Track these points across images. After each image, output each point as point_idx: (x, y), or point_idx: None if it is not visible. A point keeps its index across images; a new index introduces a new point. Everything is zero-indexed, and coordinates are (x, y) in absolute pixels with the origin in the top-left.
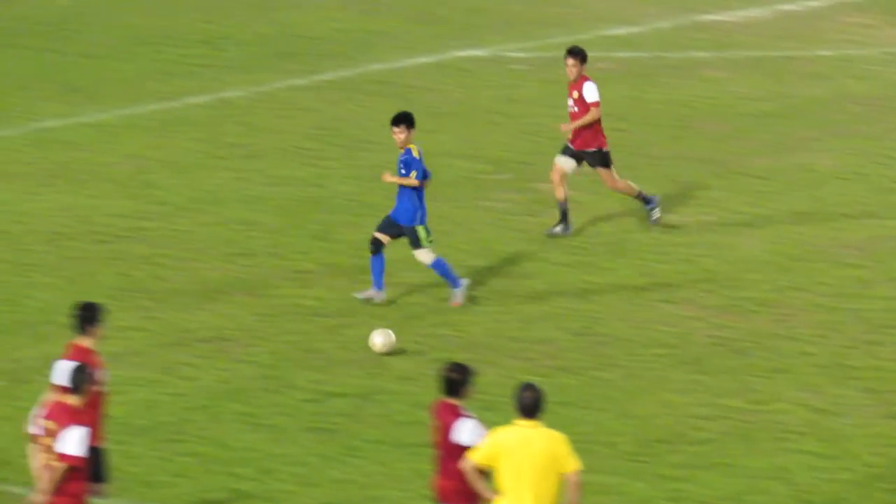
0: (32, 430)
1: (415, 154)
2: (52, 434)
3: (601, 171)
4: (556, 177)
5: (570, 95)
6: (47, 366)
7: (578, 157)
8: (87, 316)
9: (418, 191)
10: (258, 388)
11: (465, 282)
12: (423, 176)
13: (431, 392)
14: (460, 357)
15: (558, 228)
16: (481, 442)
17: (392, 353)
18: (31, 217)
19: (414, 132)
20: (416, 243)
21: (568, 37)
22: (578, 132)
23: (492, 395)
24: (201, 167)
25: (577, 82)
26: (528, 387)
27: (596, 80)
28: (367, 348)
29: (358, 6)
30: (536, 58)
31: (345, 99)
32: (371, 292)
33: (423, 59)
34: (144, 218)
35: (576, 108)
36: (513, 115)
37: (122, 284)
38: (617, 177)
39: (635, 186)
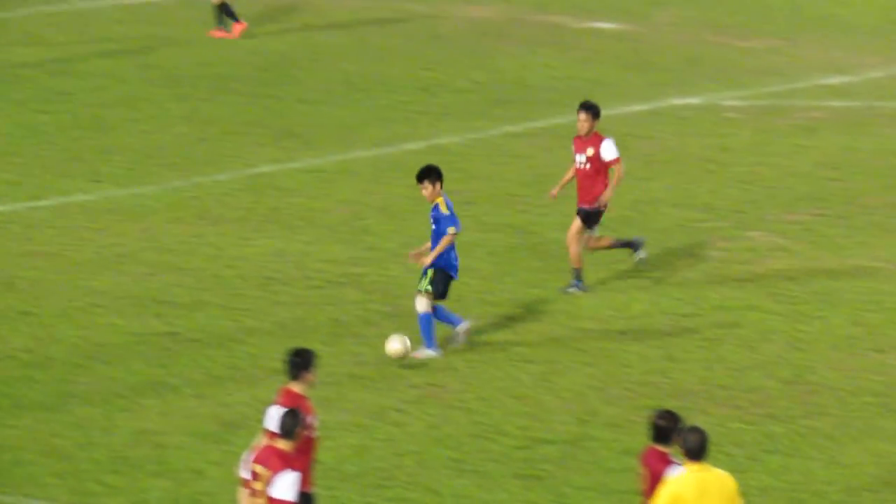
0: (243, 474)
1: (443, 209)
2: (261, 479)
3: (579, 226)
4: (592, 244)
5: (582, 151)
6: (258, 411)
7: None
8: (299, 361)
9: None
10: (468, 434)
11: (436, 352)
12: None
13: (641, 439)
14: (670, 404)
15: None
16: (659, 490)
17: (406, 359)
18: (244, 262)
19: (440, 185)
20: (421, 280)
21: (782, 85)
22: (588, 190)
23: None
24: (414, 213)
25: (590, 138)
26: (694, 429)
27: (614, 137)
28: (578, 395)
29: (575, 54)
30: (750, 106)
31: (559, 146)
32: (458, 330)
33: (638, 107)
34: (357, 264)
35: (587, 165)
36: (726, 164)
37: (334, 330)
38: (583, 241)
39: (580, 259)
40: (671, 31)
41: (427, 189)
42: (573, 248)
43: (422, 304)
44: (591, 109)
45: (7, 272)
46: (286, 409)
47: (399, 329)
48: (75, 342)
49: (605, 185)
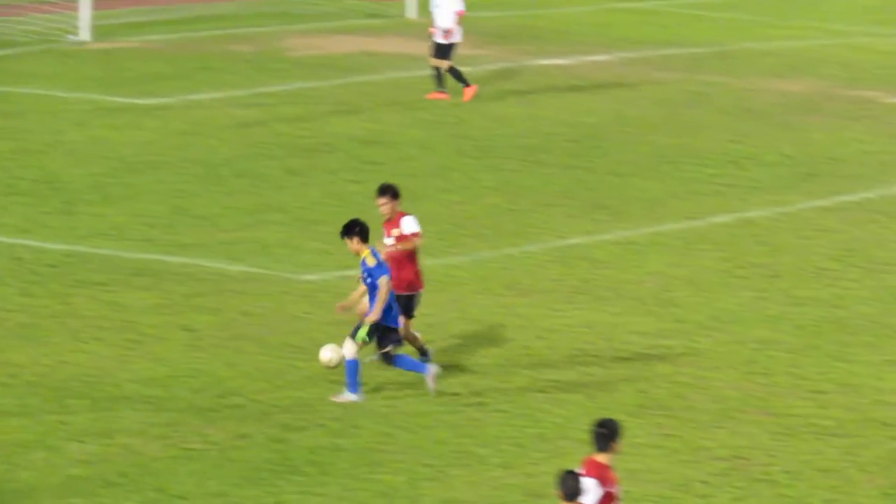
0: None
1: (370, 262)
2: None
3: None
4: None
5: (388, 235)
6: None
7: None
8: (606, 432)
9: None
10: None
11: (358, 397)
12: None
13: None
14: None
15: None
16: None
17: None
18: (553, 333)
19: (358, 239)
20: (353, 332)
21: None
22: (397, 274)
23: None
24: (722, 286)
25: (395, 220)
26: None
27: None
28: (884, 469)
29: (886, 129)
30: None
31: (867, 220)
32: (427, 376)
33: None
34: (665, 336)
35: (398, 246)
36: None
37: (640, 402)
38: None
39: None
40: None
41: (350, 246)
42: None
43: (349, 349)
44: (388, 191)
45: (315, 341)
46: (566, 472)
47: (706, 401)
48: (383, 411)
49: (415, 269)
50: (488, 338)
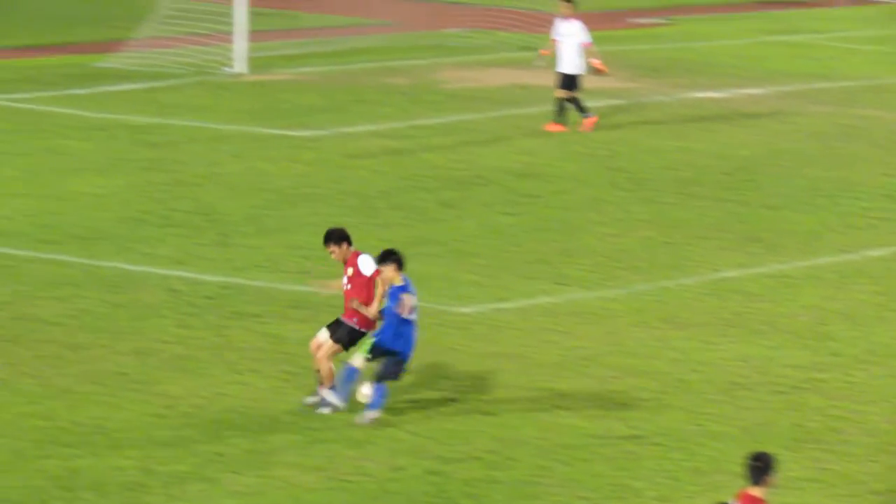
0: None
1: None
2: None
3: (331, 342)
4: (317, 350)
5: (345, 273)
6: None
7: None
8: (760, 466)
9: (391, 317)
10: None
11: (342, 405)
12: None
13: None
14: None
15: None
16: None
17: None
18: (708, 366)
19: (391, 266)
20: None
21: None
22: (351, 309)
23: None
24: (878, 320)
25: (350, 259)
26: None
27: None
28: None
29: None
30: None
31: None
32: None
33: None
34: (820, 369)
35: (349, 286)
36: None
37: (796, 435)
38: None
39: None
40: None
41: (385, 273)
42: (325, 365)
43: (357, 360)
44: (331, 239)
45: (470, 373)
46: None
47: (862, 435)
48: (538, 443)
49: (370, 303)
50: (643, 371)
